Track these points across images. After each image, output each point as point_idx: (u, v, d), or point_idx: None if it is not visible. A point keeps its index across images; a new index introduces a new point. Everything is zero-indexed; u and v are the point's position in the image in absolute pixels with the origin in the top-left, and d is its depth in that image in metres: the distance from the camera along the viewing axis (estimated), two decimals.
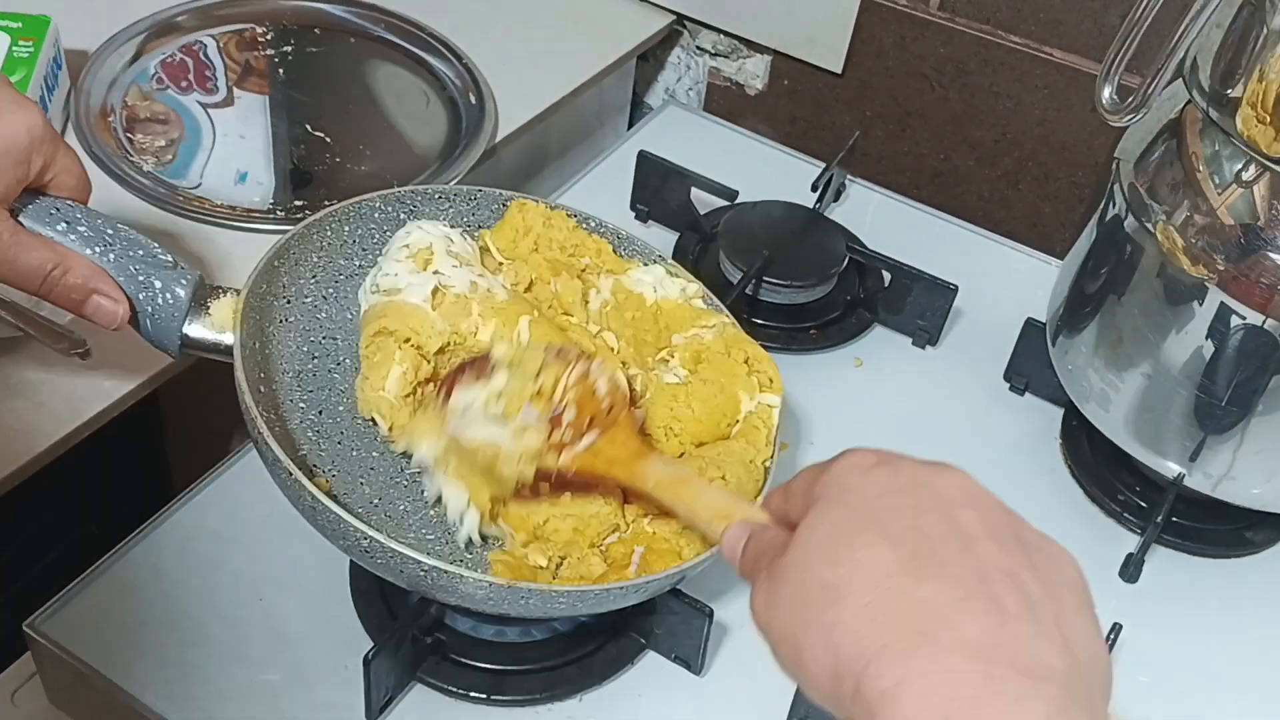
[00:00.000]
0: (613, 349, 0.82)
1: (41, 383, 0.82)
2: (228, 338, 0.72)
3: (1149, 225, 0.79)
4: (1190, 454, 0.83)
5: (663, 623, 0.76)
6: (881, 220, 1.10)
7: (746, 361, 0.80)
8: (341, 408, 0.79)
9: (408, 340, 0.76)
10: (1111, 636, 0.78)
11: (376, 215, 0.82)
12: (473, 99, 1.09)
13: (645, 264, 0.86)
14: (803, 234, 1.01)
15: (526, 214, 0.84)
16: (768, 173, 1.12)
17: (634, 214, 1.07)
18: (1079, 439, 0.93)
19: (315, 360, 0.80)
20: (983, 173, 1.17)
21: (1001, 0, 1.08)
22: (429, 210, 0.84)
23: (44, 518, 0.97)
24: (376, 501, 0.76)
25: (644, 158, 1.04)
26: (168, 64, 1.08)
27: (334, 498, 0.69)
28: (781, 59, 1.21)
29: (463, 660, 0.75)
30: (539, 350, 0.73)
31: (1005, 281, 1.05)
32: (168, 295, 0.71)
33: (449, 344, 0.78)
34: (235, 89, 1.08)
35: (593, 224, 0.86)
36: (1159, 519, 0.85)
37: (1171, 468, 0.84)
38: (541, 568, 0.73)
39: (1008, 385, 0.97)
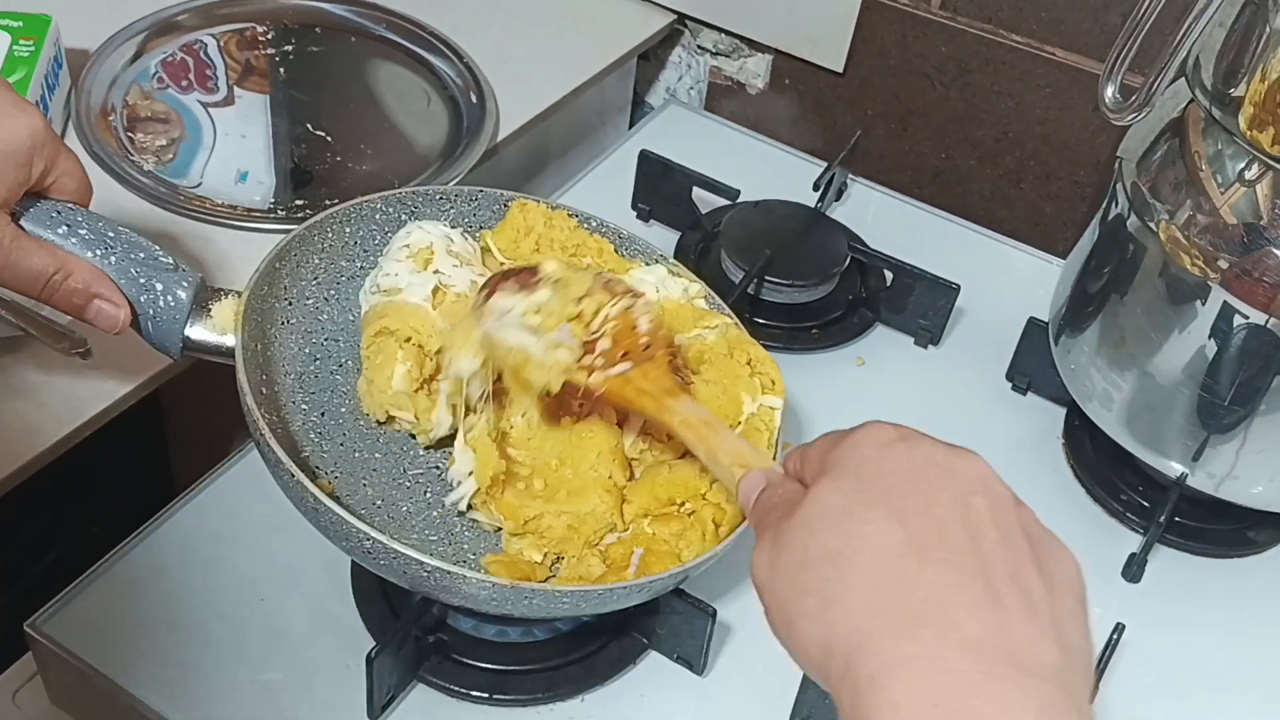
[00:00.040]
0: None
1: (42, 382, 0.82)
2: (229, 340, 0.72)
3: (1151, 224, 0.79)
4: (1193, 453, 0.83)
5: (665, 623, 0.76)
6: (883, 219, 1.10)
7: (749, 363, 0.79)
8: (344, 409, 0.79)
9: (409, 340, 0.76)
10: (1114, 636, 0.78)
11: (377, 216, 0.82)
12: (474, 98, 1.09)
13: (647, 264, 0.86)
14: (804, 233, 1.01)
15: (528, 214, 0.84)
16: (769, 172, 1.11)
17: (635, 213, 1.06)
18: (1081, 438, 0.93)
19: (317, 362, 0.80)
20: (984, 172, 1.17)
21: None
22: (430, 211, 0.84)
23: (45, 517, 0.97)
24: (379, 503, 0.76)
25: (645, 157, 1.04)
26: (168, 63, 1.08)
27: (337, 499, 0.68)
28: (783, 58, 1.21)
29: (464, 660, 0.75)
30: (588, 276, 0.72)
31: (1007, 281, 1.05)
32: (169, 298, 0.71)
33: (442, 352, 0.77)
34: (236, 88, 1.08)
35: (594, 224, 0.86)
36: (1161, 519, 0.85)
37: (1174, 467, 0.84)
38: (537, 563, 0.73)
39: (1010, 385, 0.97)
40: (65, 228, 0.70)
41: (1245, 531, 0.89)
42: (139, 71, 1.06)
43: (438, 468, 0.78)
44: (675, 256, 0.95)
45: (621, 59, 1.19)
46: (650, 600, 0.72)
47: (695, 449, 0.66)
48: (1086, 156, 1.11)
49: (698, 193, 1.03)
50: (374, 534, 0.64)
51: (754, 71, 1.23)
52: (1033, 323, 0.94)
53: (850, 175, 1.12)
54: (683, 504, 0.74)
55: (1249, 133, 0.74)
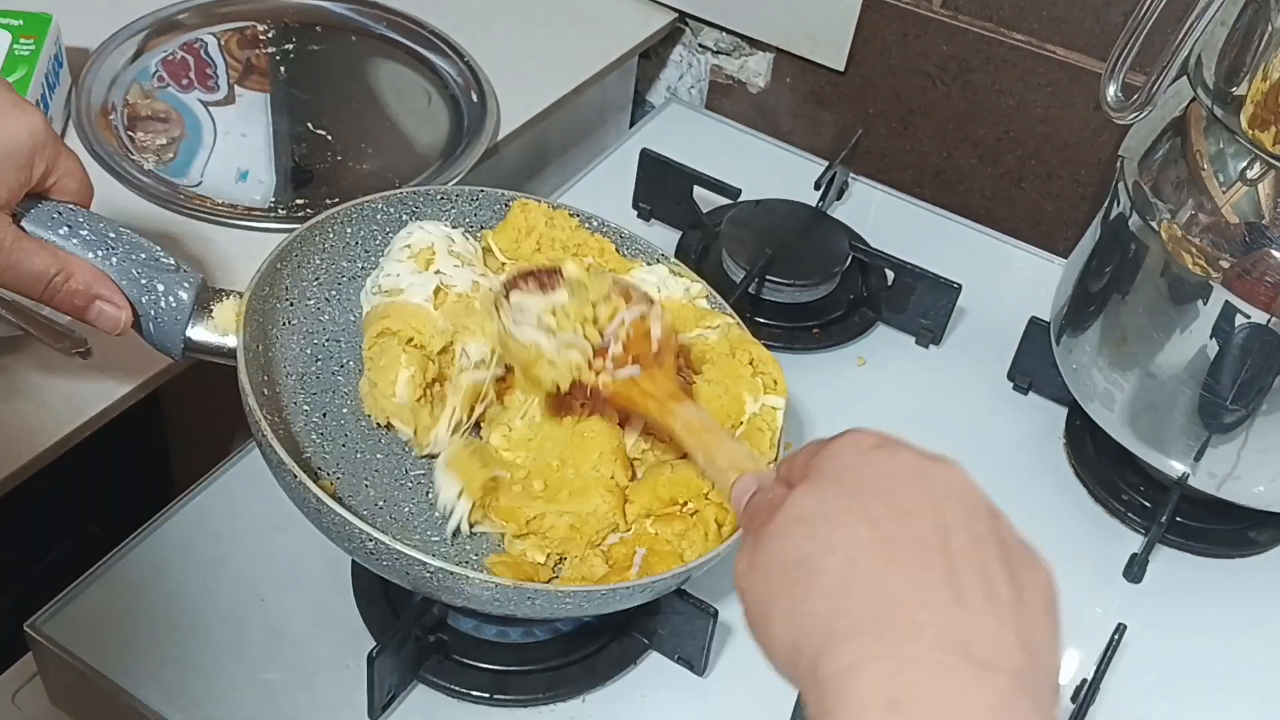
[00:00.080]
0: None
1: (43, 382, 0.82)
2: (231, 340, 0.72)
3: (1153, 223, 0.79)
4: (1194, 453, 0.83)
5: (666, 623, 0.76)
6: (884, 219, 1.10)
7: (751, 363, 0.79)
8: (345, 410, 0.78)
9: (410, 340, 0.76)
10: (1115, 636, 0.78)
11: (379, 217, 0.82)
12: (474, 97, 1.08)
13: (648, 264, 0.85)
14: (805, 232, 1.01)
15: (529, 214, 0.84)
16: (770, 171, 1.11)
17: (636, 212, 1.06)
18: (1083, 438, 0.93)
19: (319, 363, 0.79)
20: (985, 171, 1.17)
21: None
22: (431, 211, 0.84)
23: (45, 517, 0.97)
24: (381, 504, 0.76)
25: (646, 156, 1.04)
26: (169, 62, 1.08)
27: (339, 500, 0.68)
28: (784, 57, 1.21)
29: (465, 660, 0.75)
30: (605, 280, 0.74)
31: (1008, 280, 1.05)
32: (170, 299, 0.71)
33: (452, 343, 0.77)
34: (236, 87, 1.08)
35: (595, 224, 0.86)
36: (1163, 519, 0.85)
37: (1175, 467, 0.84)
38: (540, 564, 0.73)
39: (1011, 384, 0.97)
40: (66, 229, 0.69)
41: (1247, 531, 0.89)
42: (139, 70, 1.06)
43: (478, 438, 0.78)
44: (676, 256, 0.95)
45: (622, 58, 1.18)
46: (652, 600, 0.72)
47: (694, 453, 0.67)
48: (1088, 155, 1.11)
49: (699, 192, 1.03)
50: (376, 535, 0.64)
51: (755, 70, 1.23)
52: (1034, 322, 0.94)
53: (851, 174, 1.12)
54: (685, 504, 0.74)
55: (1251, 132, 0.74)
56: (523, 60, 1.14)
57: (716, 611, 0.73)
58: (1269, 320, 0.75)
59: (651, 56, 1.28)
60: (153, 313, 0.71)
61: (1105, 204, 0.85)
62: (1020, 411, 0.96)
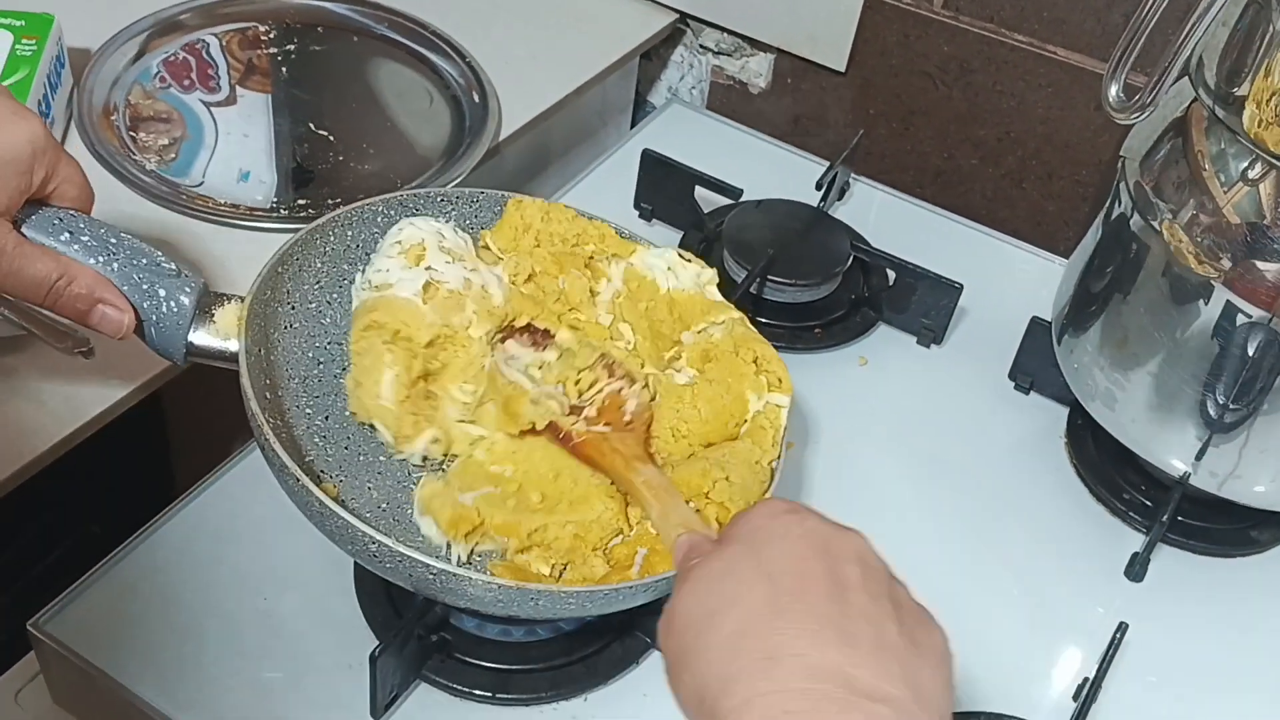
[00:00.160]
0: (629, 343, 0.81)
1: (44, 382, 0.82)
2: (233, 345, 0.72)
3: (1155, 224, 0.79)
4: (1196, 453, 0.83)
5: None
6: (885, 219, 1.10)
7: (755, 361, 0.79)
8: (348, 412, 0.78)
9: (397, 333, 0.76)
10: (1117, 636, 0.78)
11: (379, 219, 0.82)
12: (476, 98, 1.09)
13: (657, 246, 0.85)
14: (807, 233, 1.01)
15: (524, 211, 0.84)
16: (771, 171, 1.11)
17: (638, 213, 1.06)
18: (1084, 438, 0.93)
19: (320, 365, 0.79)
20: (986, 171, 1.17)
21: None
22: (431, 213, 0.83)
23: (47, 518, 0.97)
24: (384, 506, 0.76)
25: (648, 156, 1.04)
26: (170, 62, 1.08)
27: (341, 503, 0.68)
28: (785, 57, 1.21)
29: (467, 659, 0.75)
30: (594, 352, 0.79)
31: (1010, 280, 1.05)
32: (172, 303, 0.71)
33: (439, 336, 0.77)
34: (238, 87, 1.08)
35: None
36: (1164, 518, 0.85)
37: (1177, 466, 0.84)
38: (545, 575, 0.73)
39: (1013, 384, 0.97)
40: (67, 235, 0.69)
41: (1248, 530, 0.89)
42: (141, 71, 1.06)
43: (442, 469, 0.78)
44: None
45: (624, 58, 1.19)
46: (654, 600, 0.72)
47: (649, 507, 0.70)
48: (1088, 156, 1.11)
49: (700, 192, 1.03)
50: (380, 538, 0.64)
51: (756, 71, 1.23)
52: (1035, 322, 0.94)
53: (853, 175, 1.12)
54: (686, 503, 0.74)
55: (1252, 132, 0.74)
56: (524, 61, 1.14)
57: None
58: (1270, 320, 0.75)
59: (652, 57, 1.28)
60: (154, 318, 0.71)
61: (1106, 204, 0.85)
62: (1022, 411, 0.96)
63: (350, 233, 0.81)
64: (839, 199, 1.11)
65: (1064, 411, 0.95)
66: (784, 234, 1.00)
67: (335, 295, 0.81)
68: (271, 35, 1.13)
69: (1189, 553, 0.88)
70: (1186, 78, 0.79)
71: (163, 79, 1.06)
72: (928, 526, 0.87)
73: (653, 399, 0.79)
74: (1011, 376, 0.97)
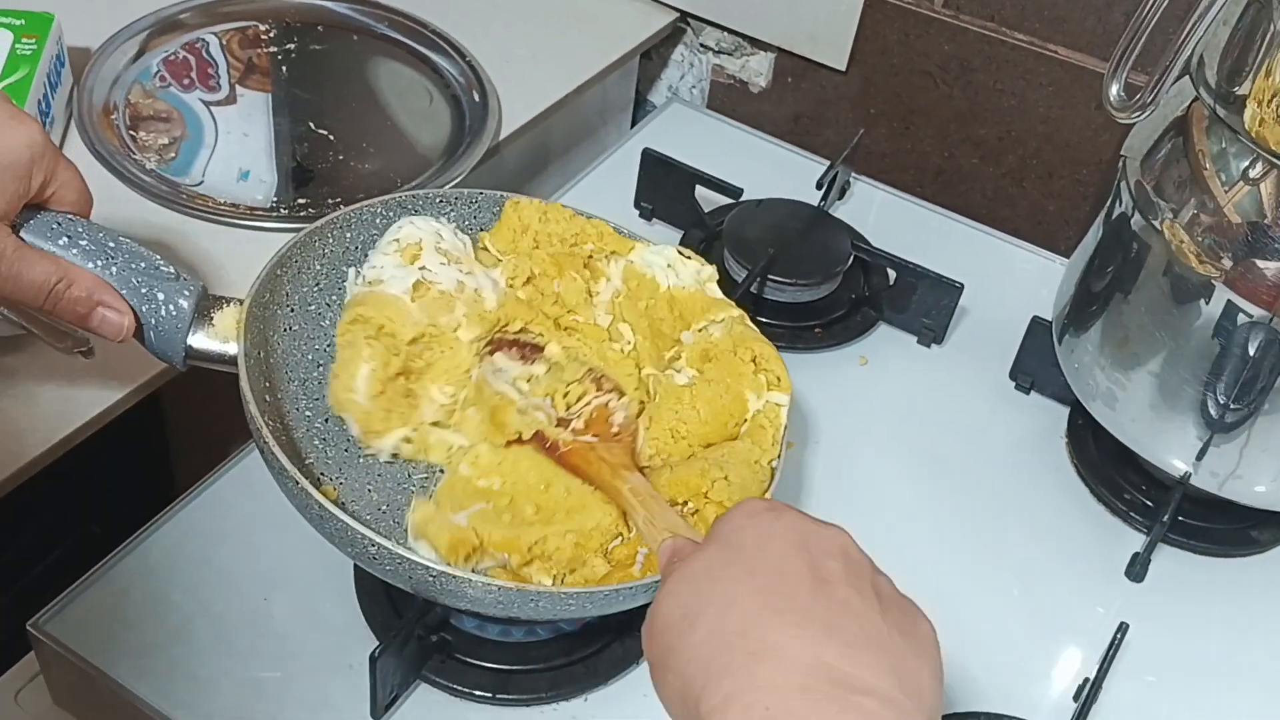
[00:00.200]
0: (628, 343, 0.81)
1: (44, 383, 0.82)
2: (232, 348, 0.72)
3: (1155, 223, 0.79)
4: (1197, 453, 0.83)
5: None
6: (886, 218, 1.10)
7: (754, 360, 0.79)
8: None
9: (381, 328, 0.76)
10: (1117, 636, 0.78)
11: (378, 220, 0.82)
12: (476, 97, 1.08)
13: (656, 243, 0.85)
14: (807, 232, 1.01)
15: (522, 212, 0.84)
16: (772, 170, 1.11)
17: (638, 212, 1.06)
18: (1085, 438, 0.93)
19: (320, 368, 0.79)
20: (987, 170, 1.17)
21: None
22: (430, 213, 0.83)
23: (46, 518, 0.97)
24: (384, 508, 0.76)
25: (648, 155, 1.04)
26: (170, 61, 1.08)
27: (341, 505, 0.68)
28: (785, 56, 1.21)
29: (468, 659, 0.75)
30: (582, 368, 0.78)
31: (1010, 280, 1.05)
32: (171, 307, 0.71)
33: (424, 335, 0.77)
34: (238, 87, 1.08)
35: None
36: (1165, 518, 0.84)
37: (1178, 466, 0.84)
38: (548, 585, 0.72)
39: (1013, 384, 0.97)
40: (66, 239, 0.69)
41: (1249, 530, 0.89)
42: (141, 70, 1.06)
43: (442, 471, 0.78)
44: None
45: (624, 58, 1.18)
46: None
47: (635, 514, 0.70)
48: (1089, 155, 1.11)
49: (700, 191, 1.03)
50: (380, 540, 0.64)
51: (756, 70, 1.23)
52: (1036, 322, 0.94)
53: (853, 174, 1.12)
54: (685, 503, 0.74)
55: (1253, 131, 0.74)
56: (524, 60, 1.14)
57: None
58: (1271, 319, 0.75)
59: (653, 56, 1.28)
60: (153, 321, 0.71)
61: (1107, 204, 0.84)
62: (1022, 411, 0.96)
63: (349, 235, 0.81)
64: (839, 198, 1.10)
65: (1064, 411, 0.95)
66: (784, 233, 1.00)
67: (334, 298, 0.81)
68: (271, 34, 1.13)
69: (1190, 553, 0.88)
70: (1187, 77, 0.79)
71: (162, 78, 1.06)
72: (928, 526, 0.86)
73: (643, 404, 0.79)
74: (1012, 376, 0.97)
